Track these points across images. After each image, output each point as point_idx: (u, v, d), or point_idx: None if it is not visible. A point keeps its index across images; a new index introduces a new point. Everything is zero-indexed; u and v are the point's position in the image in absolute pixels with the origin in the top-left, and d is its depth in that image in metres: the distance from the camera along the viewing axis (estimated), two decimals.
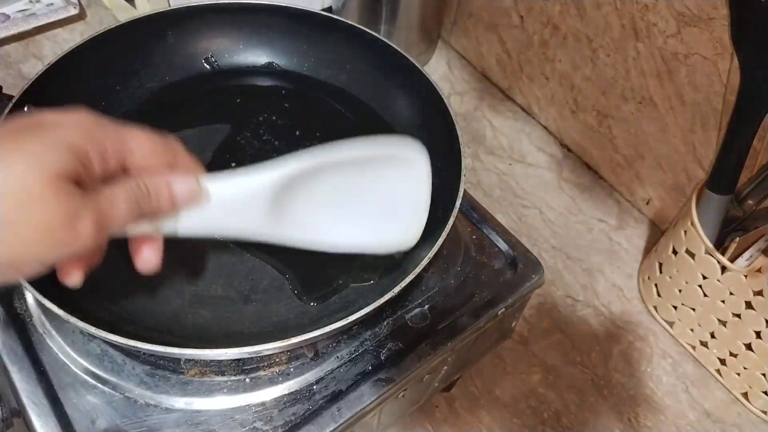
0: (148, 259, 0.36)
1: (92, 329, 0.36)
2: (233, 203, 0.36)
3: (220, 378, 0.42)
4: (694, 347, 0.63)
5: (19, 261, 0.28)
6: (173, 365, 0.42)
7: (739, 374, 0.59)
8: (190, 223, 0.35)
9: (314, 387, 0.43)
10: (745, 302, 0.55)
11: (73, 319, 0.37)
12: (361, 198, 0.42)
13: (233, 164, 0.53)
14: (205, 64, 0.58)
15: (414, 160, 0.42)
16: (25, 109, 0.46)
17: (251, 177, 0.37)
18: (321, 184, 0.40)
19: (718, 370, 0.61)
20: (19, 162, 0.26)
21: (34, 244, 0.27)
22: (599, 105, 0.71)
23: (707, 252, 0.56)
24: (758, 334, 0.55)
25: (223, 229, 0.38)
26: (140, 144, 0.32)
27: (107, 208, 0.30)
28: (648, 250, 0.70)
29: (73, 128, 0.29)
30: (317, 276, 0.46)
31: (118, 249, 0.46)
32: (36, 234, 0.27)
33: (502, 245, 0.52)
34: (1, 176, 0.26)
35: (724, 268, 0.55)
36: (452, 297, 0.48)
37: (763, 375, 0.57)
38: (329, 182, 0.40)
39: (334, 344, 0.44)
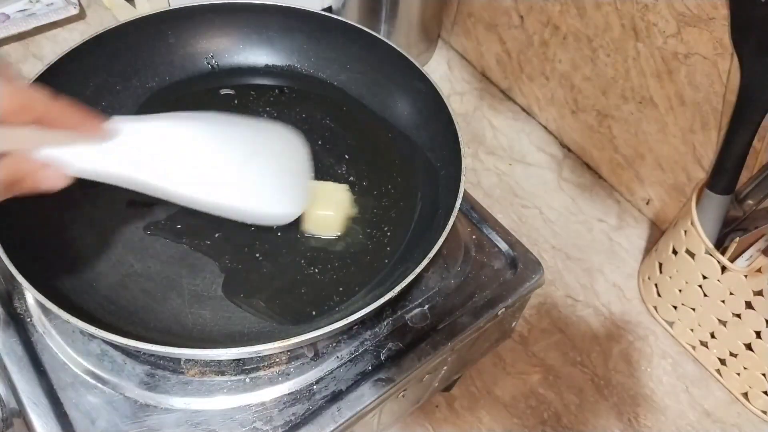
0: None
1: (92, 329, 0.36)
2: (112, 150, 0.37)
3: (220, 378, 0.42)
4: (694, 347, 0.63)
5: None
6: (173, 365, 0.42)
7: (739, 374, 0.59)
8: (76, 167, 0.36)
9: (314, 387, 0.42)
10: (745, 302, 0.55)
11: (73, 319, 0.37)
12: (247, 164, 0.44)
13: None
14: (206, 64, 0.58)
15: (294, 141, 0.48)
16: None
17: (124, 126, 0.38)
18: (206, 145, 0.42)
19: (718, 370, 0.61)
20: None
21: None
22: (599, 105, 0.71)
23: (707, 252, 0.56)
24: (758, 334, 0.55)
25: (107, 175, 0.37)
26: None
27: None
28: (648, 250, 0.70)
29: None
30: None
31: (119, 250, 0.46)
32: None
33: (502, 245, 0.52)
34: None
35: (724, 268, 0.55)
36: (452, 297, 0.48)
37: (763, 375, 0.57)
38: (215, 145, 0.42)
39: (334, 344, 0.44)
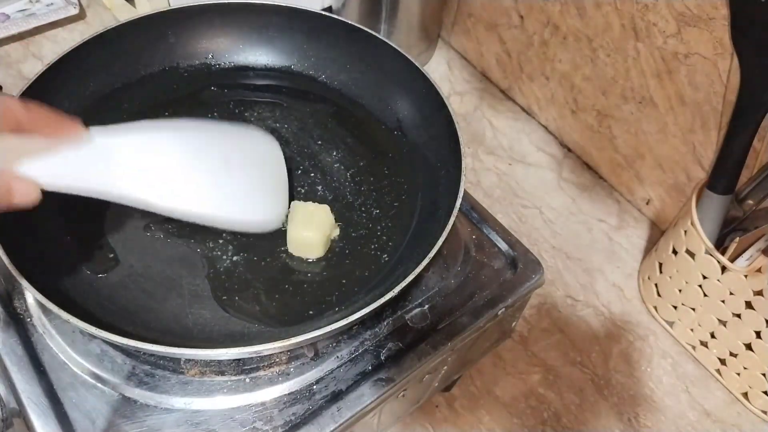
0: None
1: (92, 329, 0.36)
2: (86, 163, 0.36)
3: (220, 378, 0.42)
4: (694, 347, 0.63)
5: None
6: (173, 365, 0.42)
7: (739, 374, 0.59)
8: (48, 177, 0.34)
9: (314, 387, 0.43)
10: (745, 302, 0.55)
11: (73, 319, 0.37)
12: (223, 172, 0.44)
13: None
14: (206, 64, 0.58)
15: (268, 145, 0.47)
16: None
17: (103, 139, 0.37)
18: (183, 155, 0.42)
19: (718, 370, 0.61)
20: None
21: None
22: (599, 105, 0.71)
23: (707, 252, 0.56)
24: (758, 334, 0.55)
25: (82, 187, 0.37)
26: None
27: None
28: (648, 250, 0.70)
29: None
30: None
31: (119, 250, 0.46)
32: None
33: (502, 245, 0.52)
34: None
35: (724, 268, 0.55)
36: (452, 297, 0.48)
37: (763, 375, 0.57)
38: (189, 152, 0.42)
39: (334, 344, 0.44)
